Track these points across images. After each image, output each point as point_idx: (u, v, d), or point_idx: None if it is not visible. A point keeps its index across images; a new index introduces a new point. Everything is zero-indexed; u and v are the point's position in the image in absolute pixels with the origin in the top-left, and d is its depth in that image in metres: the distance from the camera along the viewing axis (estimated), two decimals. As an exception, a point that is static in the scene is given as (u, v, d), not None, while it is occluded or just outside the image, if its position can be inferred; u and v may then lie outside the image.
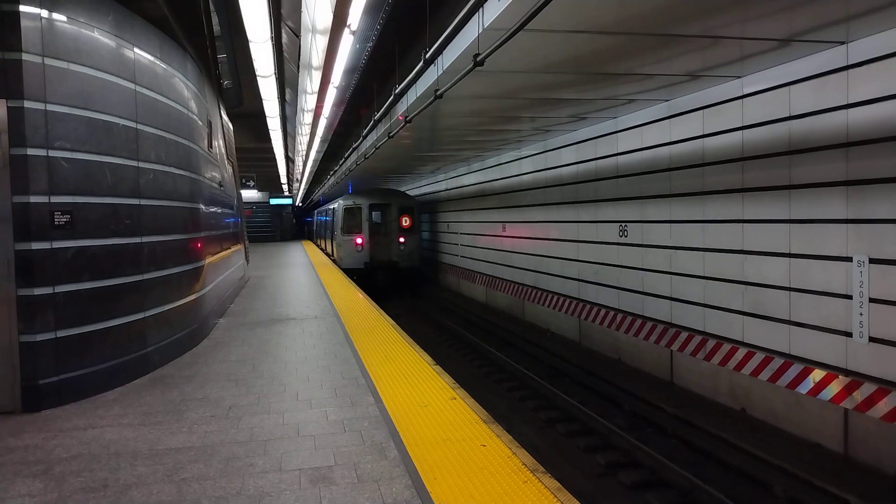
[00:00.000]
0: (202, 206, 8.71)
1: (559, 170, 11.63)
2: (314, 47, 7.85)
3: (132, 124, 6.37)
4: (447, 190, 19.80)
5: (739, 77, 7.01)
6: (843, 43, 5.73)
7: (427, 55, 5.82)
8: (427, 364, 6.80)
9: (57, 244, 5.47)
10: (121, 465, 4.15)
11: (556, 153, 11.72)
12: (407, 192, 23.78)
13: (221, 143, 11.53)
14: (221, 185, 11.02)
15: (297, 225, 52.47)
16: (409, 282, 20.57)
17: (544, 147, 12.23)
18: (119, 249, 6.16)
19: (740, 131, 7.08)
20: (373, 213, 20.44)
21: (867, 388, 5.65)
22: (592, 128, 10.30)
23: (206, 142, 9.32)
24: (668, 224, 8.47)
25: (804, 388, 6.32)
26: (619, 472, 6.44)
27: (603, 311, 10.27)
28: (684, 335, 8.18)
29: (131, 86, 6.38)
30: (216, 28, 10.95)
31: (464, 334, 13.20)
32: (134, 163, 6.39)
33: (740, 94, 7.06)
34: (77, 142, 5.63)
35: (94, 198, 5.85)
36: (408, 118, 8.35)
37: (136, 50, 6.51)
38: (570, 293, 11.46)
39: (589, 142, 10.47)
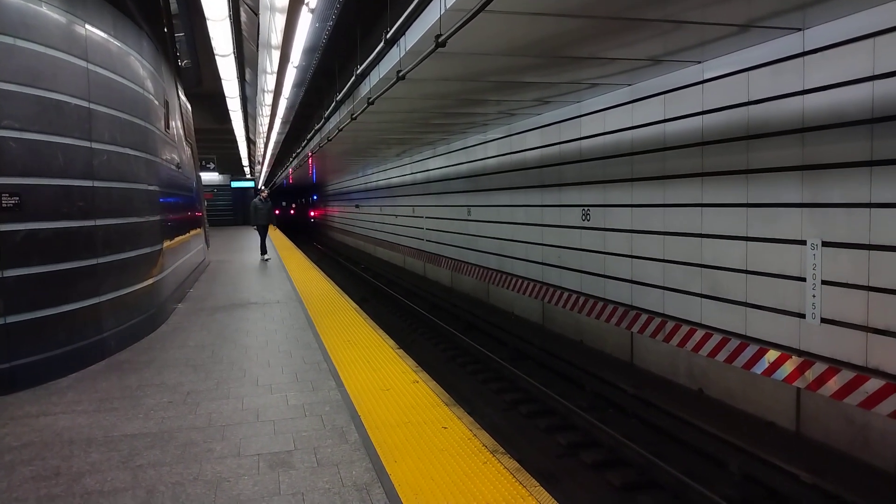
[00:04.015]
0: (159, 189, 8.51)
1: (524, 154, 11.65)
2: (273, 26, 7.69)
3: (84, 104, 6.17)
4: (412, 174, 19.71)
5: (700, 62, 7.07)
6: (799, 30, 5.82)
7: (388, 35, 5.75)
8: (390, 348, 6.79)
9: (5, 227, 5.30)
10: (74, 453, 4.07)
11: (521, 137, 11.73)
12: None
13: (179, 123, 11.27)
14: (179, 167, 10.79)
15: None
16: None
17: (509, 131, 12.22)
18: (72, 232, 6.00)
19: (700, 116, 7.16)
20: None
21: (818, 368, 5.82)
22: (557, 112, 10.32)
23: (162, 122, 9.10)
24: (630, 208, 8.56)
25: (759, 369, 6.47)
26: (580, 451, 6.53)
27: (566, 295, 10.36)
28: (644, 317, 8.30)
29: (83, 64, 6.18)
30: (173, 6, 10.66)
31: (428, 317, 13.22)
32: (87, 143, 6.20)
33: (700, 80, 7.13)
34: (25, 121, 5.44)
35: (45, 179, 5.68)
36: (370, 100, 8.26)
37: (87, 27, 6.30)
38: (534, 276, 11.54)
39: (553, 126, 10.50)
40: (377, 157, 20.26)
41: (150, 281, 7.82)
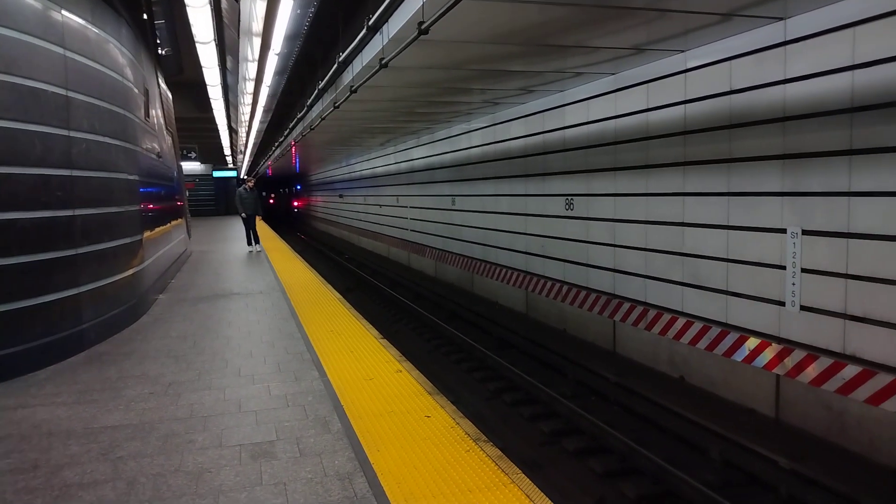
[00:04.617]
0: (139, 178, 8.41)
1: (508, 143, 11.64)
2: (254, 13, 7.60)
3: (62, 91, 6.07)
4: (397, 163, 19.64)
5: (683, 51, 7.09)
6: (781, 19, 5.85)
7: (370, 22, 5.70)
8: (374, 338, 6.78)
9: (-20, 217, 5.20)
10: (53, 445, 4.02)
11: (505, 126, 11.71)
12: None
13: (160, 112, 11.13)
14: (160, 157, 10.67)
15: None
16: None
17: (493, 120, 12.20)
18: (50, 222, 5.91)
19: (683, 105, 7.18)
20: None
21: (797, 355, 5.89)
22: (541, 101, 10.31)
23: (142, 111, 8.98)
24: (613, 197, 8.59)
25: (740, 356, 6.54)
26: (563, 439, 6.57)
27: (549, 284, 10.40)
28: (626, 306, 8.35)
29: (60, 51, 6.07)
30: (152, -8, 10.49)
31: (413, 307, 13.22)
32: (65, 132, 6.10)
33: (683, 69, 7.15)
34: (0, 109, 5.34)
35: (22, 168, 5.58)
36: (353, 88, 8.19)
37: (64, 13, 6.18)
38: (518, 266, 11.56)
39: (537, 115, 10.49)
40: (361, 146, 20.15)
41: (130, 271, 7.73)
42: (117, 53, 7.63)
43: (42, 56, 5.82)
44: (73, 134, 6.21)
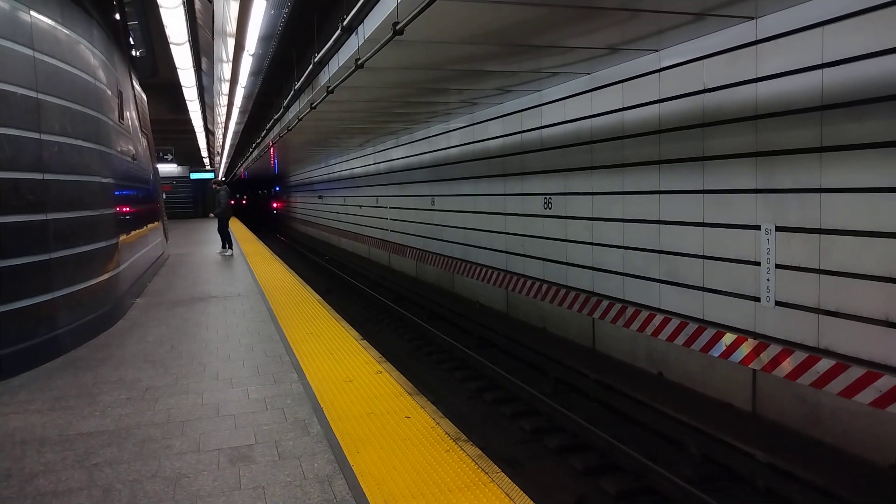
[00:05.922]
0: (114, 181, 8.30)
1: (486, 143, 11.67)
2: (227, 13, 7.53)
3: (32, 94, 5.97)
4: (376, 164, 19.59)
5: (657, 51, 7.15)
6: (752, 18, 5.92)
7: (344, 22, 5.67)
8: (354, 339, 6.76)
9: (-51, 222, 5.11)
10: (27, 453, 3.96)
11: (483, 126, 11.74)
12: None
13: (134, 114, 11.00)
14: (135, 159, 10.54)
15: None
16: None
17: (472, 120, 12.22)
18: (21, 227, 5.81)
19: (657, 104, 7.25)
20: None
21: (773, 350, 5.97)
22: (518, 101, 10.35)
23: (116, 113, 8.86)
24: (590, 196, 8.64)
25: (716, 352, 6.62)
26: (543, 436, 6.60)
27: (529, 283, 10.43)
28: (605, 303, 8.41)
29: (29, 52, 5.97)
30: (125, -8, 10.38)
31: (393, 308, 13.20)
32: (35, 135, 6.01)
33: (658, 68, 7.22)
34: (-32, 112, 5.24)
35: (-10, 172, 5.48)
36: (330, 88, 8.15)
37: (33, 13, 6.09)
38: (498, 265, 11.59)
39: (515, 115, 10.52)
40: (340, 147, 20.07)
41: (106, 276, 7.63)
42: (89, 55, 7.52)
43: (10, 58, 5.72)
44: (44, 137, 6.12)
